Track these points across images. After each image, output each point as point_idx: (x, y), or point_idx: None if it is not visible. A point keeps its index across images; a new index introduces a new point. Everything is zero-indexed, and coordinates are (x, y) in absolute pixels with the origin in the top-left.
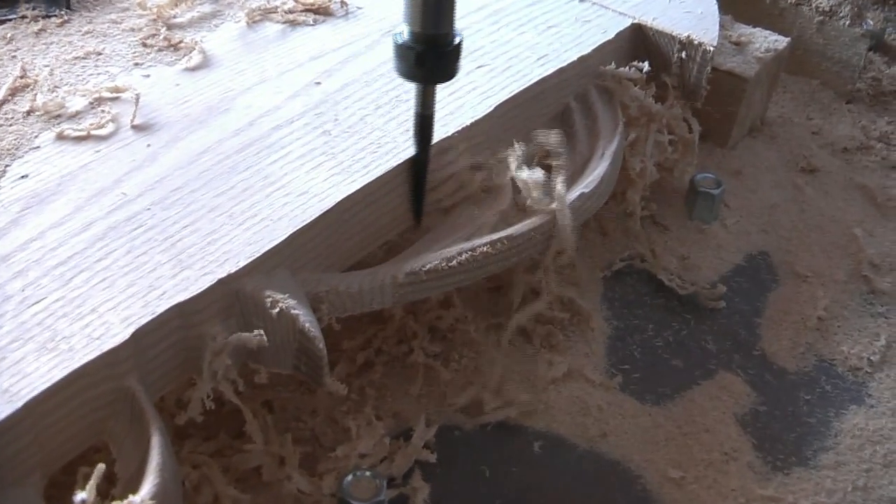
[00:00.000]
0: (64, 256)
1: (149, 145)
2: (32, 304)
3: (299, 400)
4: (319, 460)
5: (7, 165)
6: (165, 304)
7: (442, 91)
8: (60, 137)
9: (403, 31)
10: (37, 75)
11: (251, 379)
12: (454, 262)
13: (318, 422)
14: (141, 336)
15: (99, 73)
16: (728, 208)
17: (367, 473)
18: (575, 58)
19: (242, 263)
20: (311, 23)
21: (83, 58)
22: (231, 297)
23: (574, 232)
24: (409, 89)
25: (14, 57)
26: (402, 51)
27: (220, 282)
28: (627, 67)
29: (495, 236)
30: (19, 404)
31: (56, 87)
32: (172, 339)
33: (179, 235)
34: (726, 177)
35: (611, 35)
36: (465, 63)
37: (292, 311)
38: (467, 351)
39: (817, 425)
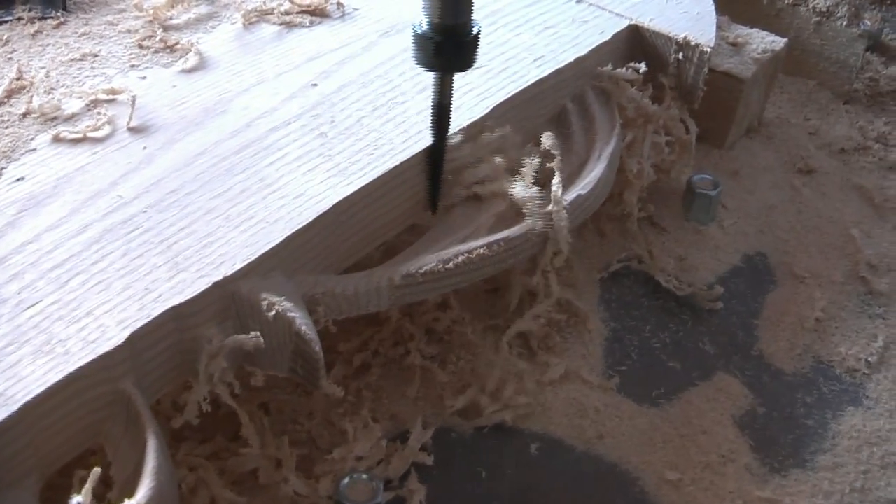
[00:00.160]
0: (60, 259)
1: (145, 147)
2: (28, 307)
3: (296, 402)
4: (316, 463)
5: (3, 168)
6: (161, 306)
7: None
8: (56, 139)
9: (422, 22)
10: (33, 77)
11: (247, 381)
12: (451, 264)
13: (315, 424)
14: (137, 339)
15: (95, 75)
16: (725, 209)
17: (364, 476)
18: (572, 59)
19: (239, 266)
20: (308, 24)
21: (79, 60)
22: (227, 300)
23: (570, 233)
24: (406, 91)
25: (10, 59)
26: (420, 41)
27: (217, 284)
28: (624, 68)
29: (492, 238)
30: (15, 407)
31: (52, 89)
32: (168, 342)
33: (175, 238)
34: (723, 178)
35: (608, 36)
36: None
37: (288, 314)
38: (464, 353)
39: (815, 427)
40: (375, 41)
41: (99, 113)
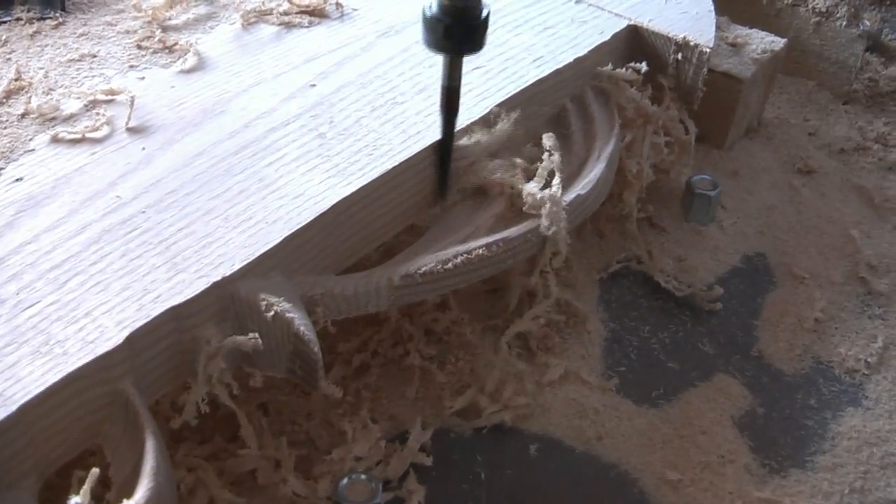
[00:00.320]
0: (58, 260)
1: (144, 148)
2: (27, 308)
3: (294, 403)
4: (315, 463)
5: (1, 168)
6: (160, 307)
7: (439, 92)
8: (55, 140)
9: (432, 4)
10: (31, 78)
11: (246, 382)
12: (450, 264)
13: (314, 425)
14: (135, 339)
15: (94, 76)
16: (725, 210)
17: (363, 476)
18: (571, 59)
19: (237, 266)
20: (307, 24)
21: (78, 60)
22: (226, 301)
23: (569, 234)
24: (405, 91)
25: (9, 59)
26: (430, 23)
27: (215, 285)
28: (624, 69)
29: (491, 239)
30: (13, 408)
31: (51, 89)
32: (167, 343)
33: (174, 238)
34: (723, 178)
35: (607, 36)
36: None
37: (287, 315)
38: (463, 353)
39: (814, 427)
40: (374, 42)
41: (97, 113)
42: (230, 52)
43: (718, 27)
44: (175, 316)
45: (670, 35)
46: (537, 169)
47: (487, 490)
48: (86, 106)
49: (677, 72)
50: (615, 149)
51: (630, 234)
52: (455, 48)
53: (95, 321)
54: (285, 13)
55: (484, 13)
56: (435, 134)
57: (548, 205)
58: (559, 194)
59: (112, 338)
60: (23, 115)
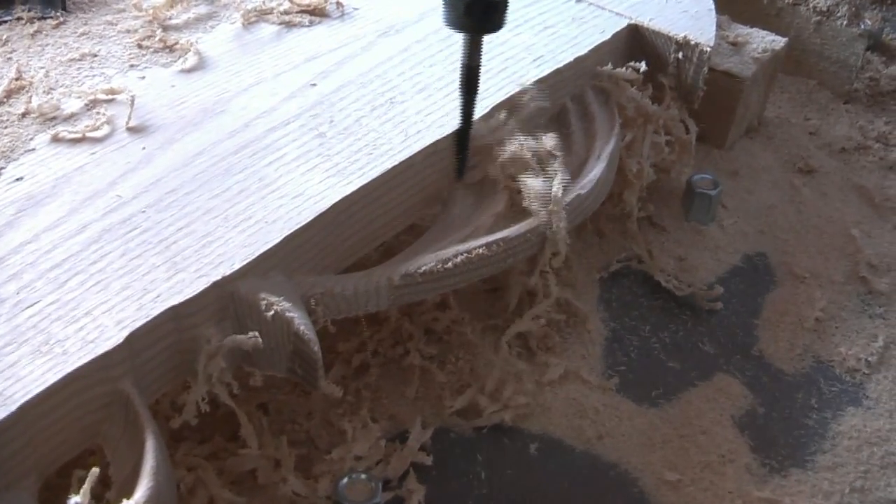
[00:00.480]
0: (58, 259)
1: (144, 147)
2: (27, 308)
3: (295, 402)
4: (315, 463)
5: (2, 168)
6: (160, 306)
7: (439, 92)
8: (55, 139)
9: None
10: (32, 77)
11: (246, 381)
12: (450, 264)
13: (314, 424)
14: (135, 339)
15: (94, 75)
16: (725, 209)
17: (363, 476)
18: (571, 58)
19: (237, 266)
20: (307, 24)
21: (79, 59)
22: (226, 300)
23: (569, 233)
24: (405, 91)
25: (9, 59)
26: (451, 1)
27: (215, 284)
28: (624, 68)
29: (491, 238)
30: (13, 407)
31: (51, 88)
32: (167, 342)
33: (174, 238)
34: (723, 177)
35: (607, 35)
36: (461, 65)
37: (287, 314)
38: (463, 353)
39: (815, 427)
40: (374, 41)
41: (98, 113)
42: (230, 51)
43: (719, 26)
44: (175, 315)
45: (671, 34)
46: (540, 166)
47: (487, 490)
48: (86, 105)
49: (678, 71)
50: (615, 148)
51: (630, 234)
52: (476, 26)
53: (95, 321)
54: (286, 12)
55: None
56: (435, 133)
57: (545, 203)
58: (560, 194)
59: (112, 337)
60: (23, 115)
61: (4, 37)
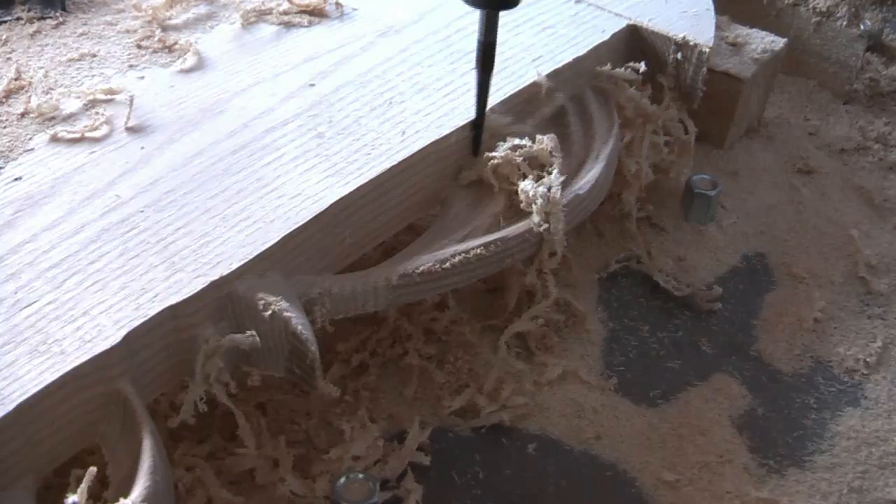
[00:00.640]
0: (57, 259)
1: (143, 147)
2: (25, 307)
3: (293, 402)
4: (313, 462)
5: (1, 167)
6: (158, 306)
7: (437, 92)
8: (54, 139)
9: None
10: (31, 77)
11: (244, 381)
12: (448, 264)
13: (312, 424)
14: (133, 338)
15: (93, 75)
16: (724, 209)
17: (361, 475)
18: (570, 59)
19: (235, 266)
20: (306, 24)
21: (78, 59)
22: (224, 300)
23: (568, 234)
24: (404, 91)
25: (9, 59)
26: None
27: (213, 284)
28: (623, 68)
29: (489, 238)
30: (11, 407)
31: (50, 88)
32: (165, 342)
33: (172, 238)
34: (723, 178)
35: (606, 36)
36: (460, 65)
37: (285, 314)
38: (462, 353)
39: (813, 427)
40: (373, 41)
41: (97, 113)
42: (230, 51)
43: (718, 27)
44: (173, 315)
45: (670, 35)
46: (535, 168)
47: (485, 489)
48: (85, 105)
49: (677, 71)
50: (614, 148)
51: (629, 234)
52: (492, 3)
53: (93, 320)
54: (285, 13)
55: None
56: (433, 134)
57: (542, 202)
58: (558, 195)
59: (110, 337)
60: (22, 115)
61: (4, 37)
